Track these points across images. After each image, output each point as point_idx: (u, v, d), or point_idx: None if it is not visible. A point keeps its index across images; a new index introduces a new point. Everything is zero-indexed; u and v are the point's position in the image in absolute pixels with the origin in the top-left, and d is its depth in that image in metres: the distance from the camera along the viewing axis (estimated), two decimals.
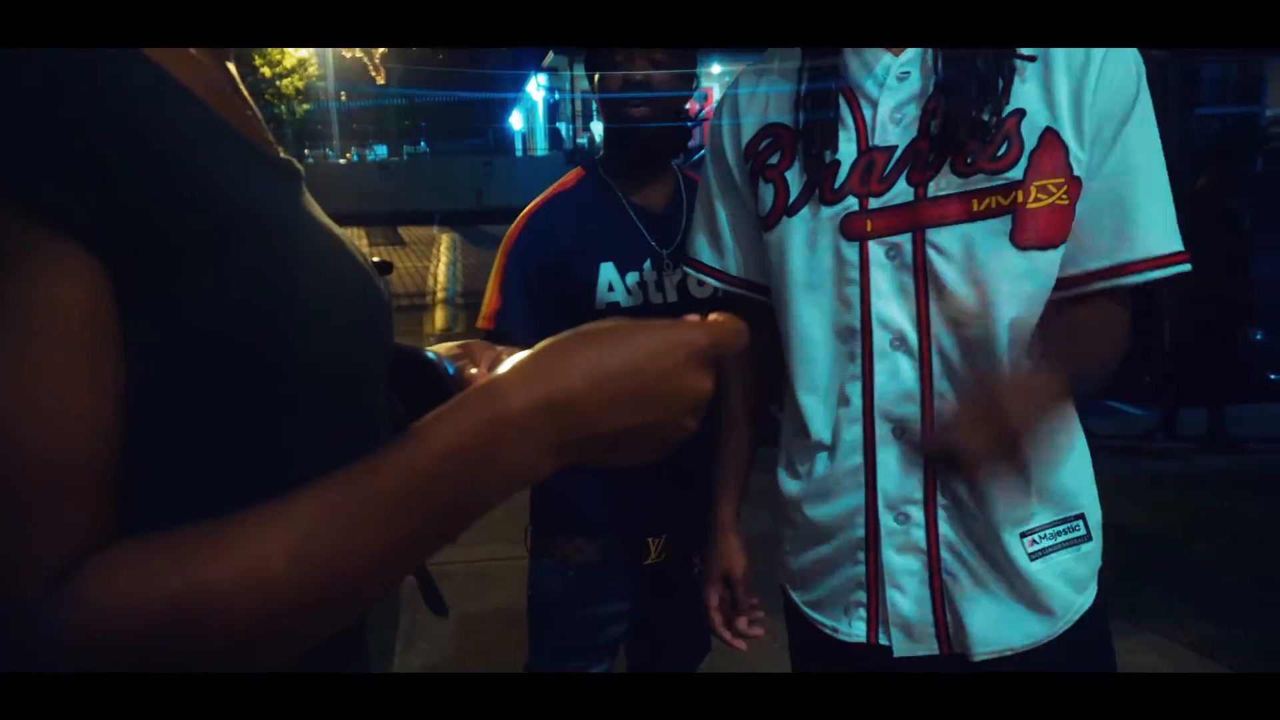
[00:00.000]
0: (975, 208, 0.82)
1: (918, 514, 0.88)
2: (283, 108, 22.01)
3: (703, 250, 1.05)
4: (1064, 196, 0.82)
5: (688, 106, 1.30)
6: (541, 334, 0.44)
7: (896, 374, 0.87)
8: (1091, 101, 0.81)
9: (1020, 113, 0.82)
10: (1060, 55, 0.82)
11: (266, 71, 21.27)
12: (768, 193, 0.92)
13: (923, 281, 0.85)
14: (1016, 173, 0.82)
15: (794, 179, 0.90)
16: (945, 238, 0.83)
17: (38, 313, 0.36)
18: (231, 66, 0.52)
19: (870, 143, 0.86)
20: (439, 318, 8.66)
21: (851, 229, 0.86)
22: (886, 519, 0.89)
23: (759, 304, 0.98)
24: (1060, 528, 0.89)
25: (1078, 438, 0.93)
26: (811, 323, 0.90)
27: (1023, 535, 0.87)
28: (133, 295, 0.39)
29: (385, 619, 2.58)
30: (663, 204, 1.33)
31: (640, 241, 1.29)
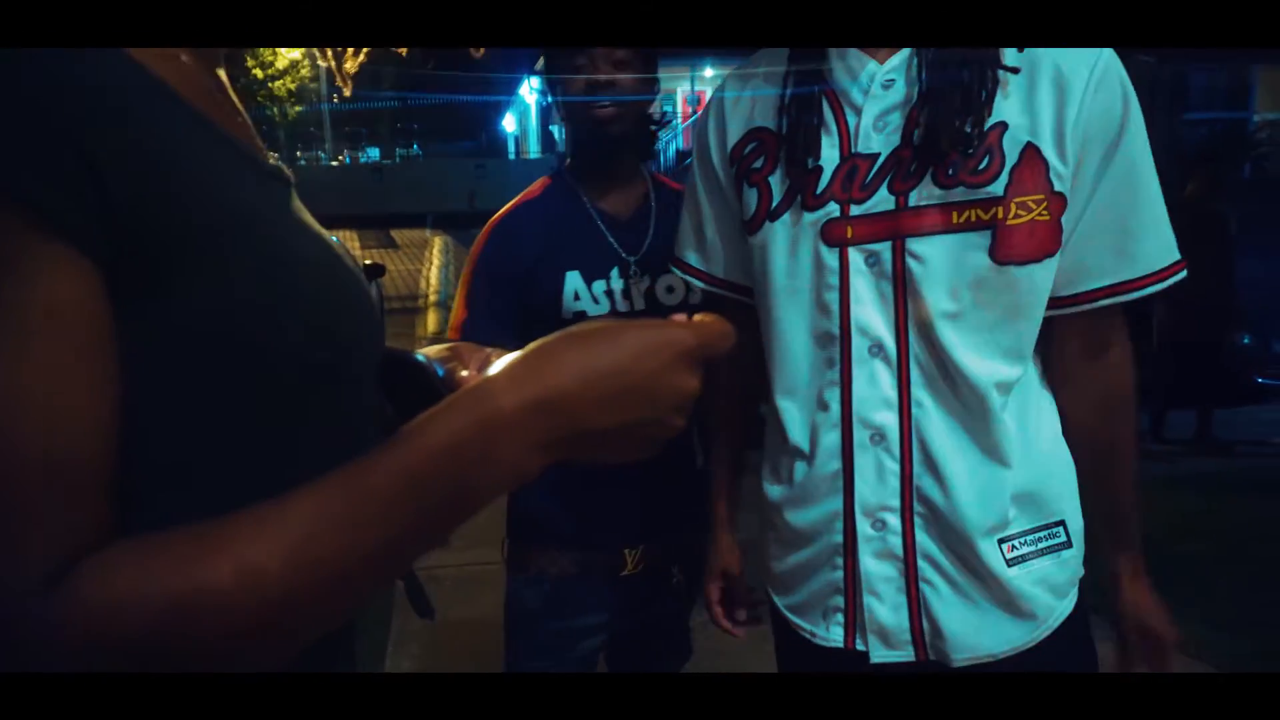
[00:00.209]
0: (955, 219, 0.83)
1: (894, 521, 0.88)
2: (275, 110, 21.96)
3: (689, 252, 1.06)
4: (1044, 213, 0.83)
5: (652, 110, 1.29)
6: (508, 345, 0.45)
7: (874, 381, 0.87)
8: (1074, 124, 0.82)
9: (1002, 125, 0.83)
10: (1045, 69, 0.83)
11: (259, 73, 21.22)
12: (751, 197, 0.93)
13: (901, 289, 0.85)
14: (997, 188, 0.82)
15: (777, 184, 0.90)
16: (924, 247, 0.84)
17: (35, 314, 0.37)
18: (222, 73, 0.52)
19: (853, 149, 0.87)
20: (431, 321, 8.65)
21: (832, 235, 0.87)
22: (863, 525, 0.89)
23: (746, 306, 0.99)
24: (1041, 534, 0.90)
25: (1060, 445, 0.93)
26: (791, 328, 0.91)
27: (1000, 541, 0.88)
28: (126, 297, 0.39)
29: (377, 622, 2.57)
30: (630, 210, 1.30)
31: (606, 249, 1.27)
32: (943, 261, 0.83)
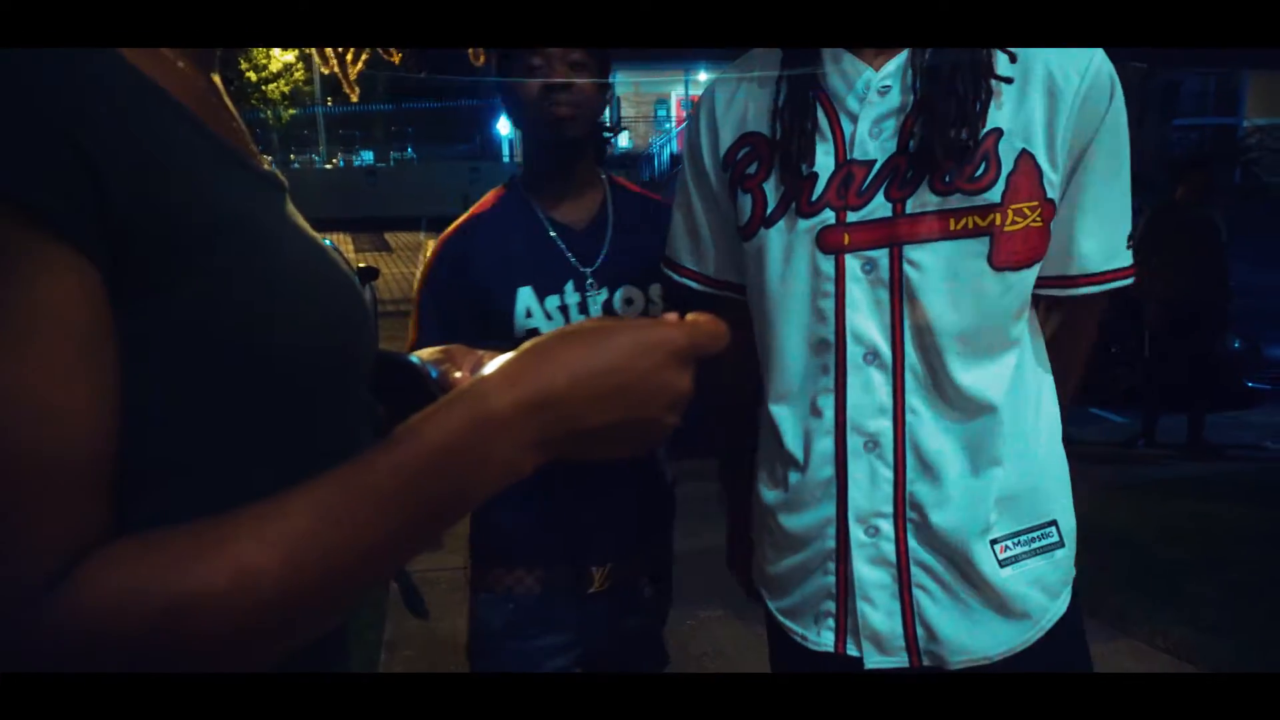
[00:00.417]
0: (953, 226, 0.83)
1: (887, 527, 0.89)
2: (269, 113, 21.91)
3: (683, 254, 1.05)
4: (1038, 219, 0.84)
5: (606, 115, 1.24)
6: None
7: (869, 388, 0.87)
8: (1063, 130, 0.83)
9: (998, 132, 0.83)
10: (1037, 75, 0.83)
11: (252, 76, 21.18)
12: (746, 203, 0.92)
13: (898, 296, 0.85)
14: (994, 195, 0.83)
15: (771, 190, 0.90)
16: (923, 254, 0.84)
17: (35, 314, 0.37)
18: (216, 78, 0.52)
19: (849, 156, 0.86)
20: None
21: (828, 242, 0.87)
22: (856, 531, 0.89)
23: (743, 304, 0.99)
24: (1033, 534, 0.90)
25: (1054, 443, 0.94)
26: (786, 334, 0.91)
27: (993, 543, 0.88)
28: (121, 297, 0.40)
29: (369, 625, 2.56)
30: (587, 219, 1.25)
31: (560, 261, 1.22)
32: (941, 268, 0.84)
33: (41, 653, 0.37)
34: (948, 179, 0.83)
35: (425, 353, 0.63)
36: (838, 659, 0.92)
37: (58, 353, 0.37)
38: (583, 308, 1.22)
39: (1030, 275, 0.86)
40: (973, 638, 0.89)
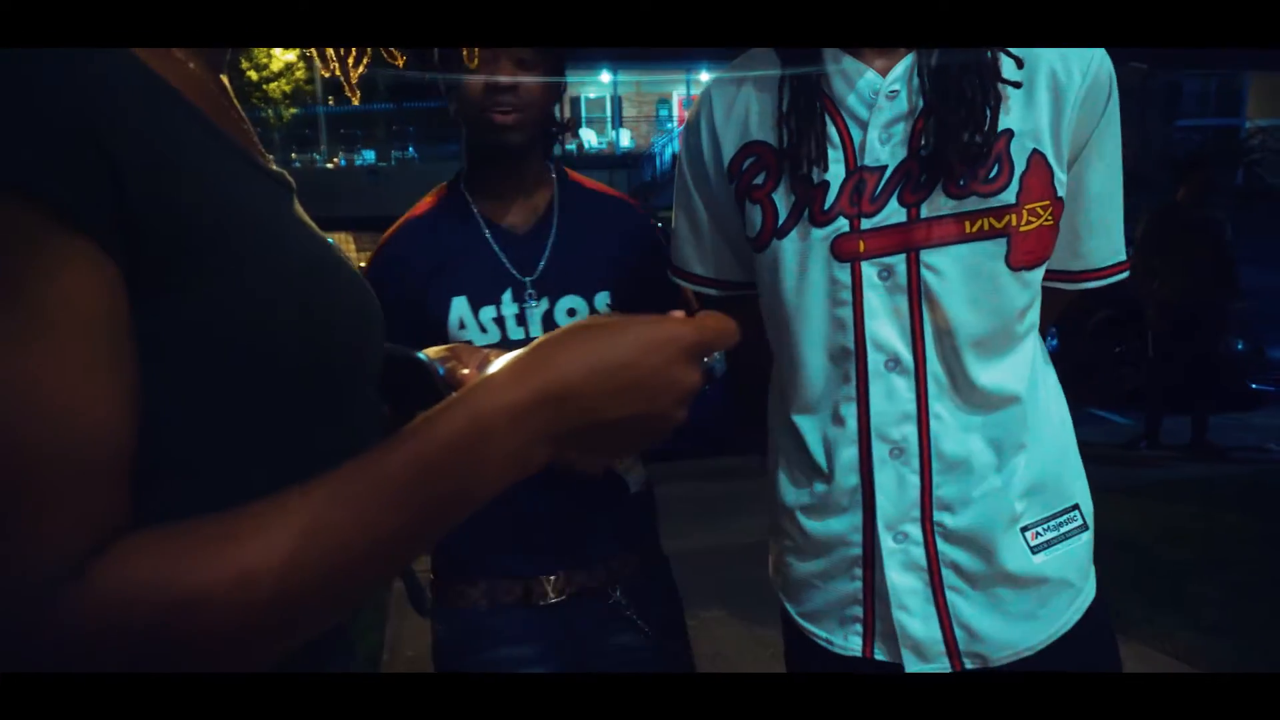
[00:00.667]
0: (969, 229, 0.83)
1: (915, 532, 0.88)
2: (270, 112, 21.92)
3: (692, 261, 1.03)
4: (1050, 218, 0.84)
5: (556, 112, 1.18)
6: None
7: (892, 395, 0.87)
8: (1066, 128, 0.83)
9: (1009, 133, 0.83)
10: (1042, 74, 0.84)
11: (253, 75, 21.20)
12: (755, 214, 0.91)
13: (917, 302, 0.85)
14: (1009, 196, 0.83)
15: (781, 200, 0.89)
16: (940, 258, 0.84)
17: (56, 308, 0.37)
18: (224, 79, 0.53)
19: (859, 162, 0.85)
20: None
21: (843, 250, 0.86)
22: (886, 539, 0.89)
23: (754, 300, 0.98)
24: (1060, 519, 0.91)
25: (1067, 427, 0.94)
26: (805, 343, 0.90)
27: (1023, 530, 0.89)
28: (135, 295, 0.40)
29: (372, 625, 2.57)
30: (530, 222, 1.17)
31: (498, 270, 1.13)
32: (959, 271, 0.84)
33: (62, 641, 0.37)
34: (962, 182, 0.82)
35: (432, 350, 0.63)
36: (865, 663, 0.92)
37: (79, 345, 0.38)
38: (520, 319, 1.14)
39: (1041, 272, 0.87)
40: (1013, 631, 0.88)
